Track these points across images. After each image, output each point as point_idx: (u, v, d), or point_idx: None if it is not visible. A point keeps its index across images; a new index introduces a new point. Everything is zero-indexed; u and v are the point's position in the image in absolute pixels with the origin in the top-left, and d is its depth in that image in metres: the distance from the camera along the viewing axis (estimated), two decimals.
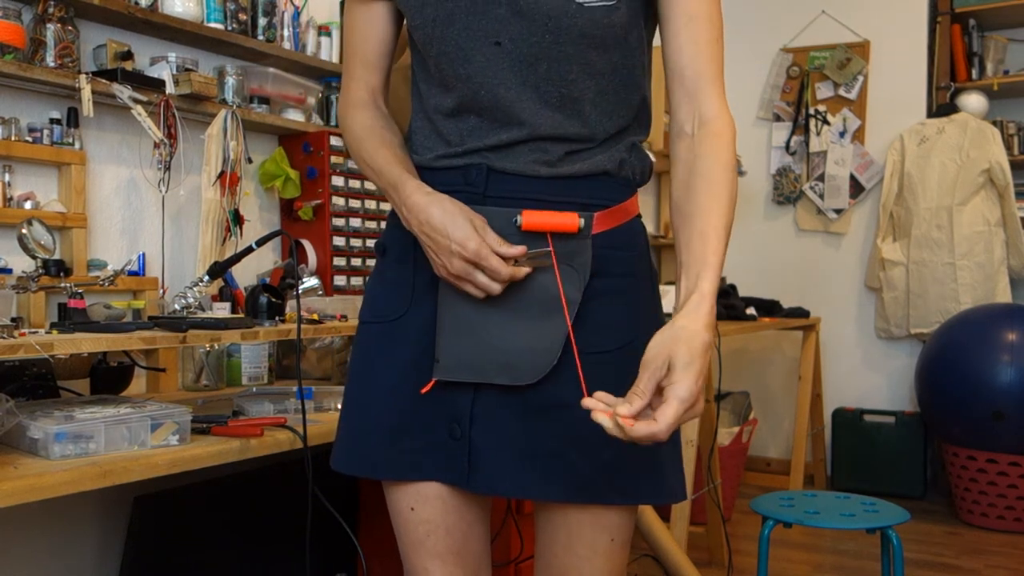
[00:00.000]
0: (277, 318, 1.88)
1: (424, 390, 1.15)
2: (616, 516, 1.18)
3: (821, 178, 4.51)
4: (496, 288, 1.09)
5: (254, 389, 2.05)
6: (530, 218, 1.11)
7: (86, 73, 1.98)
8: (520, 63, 1.10)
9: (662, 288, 1.33)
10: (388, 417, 1.18)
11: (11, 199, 1.96)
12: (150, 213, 2.27)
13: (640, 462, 1.14)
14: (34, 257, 1.71)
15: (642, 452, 1.14)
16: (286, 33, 2.52)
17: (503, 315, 1.13)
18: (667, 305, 1.22)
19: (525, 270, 1.10)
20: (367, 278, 2.65)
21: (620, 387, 1.14)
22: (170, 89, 2.13)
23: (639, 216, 1.23)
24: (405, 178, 1.15)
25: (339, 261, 2.57)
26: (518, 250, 1.09)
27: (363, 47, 1.24)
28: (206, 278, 1.83)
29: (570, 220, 1.12)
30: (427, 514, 1.19)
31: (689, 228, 1.06)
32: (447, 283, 1.14)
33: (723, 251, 1.04)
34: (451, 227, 1.08)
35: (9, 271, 1.87)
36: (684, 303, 1.01)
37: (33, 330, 1.57)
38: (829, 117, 4.50)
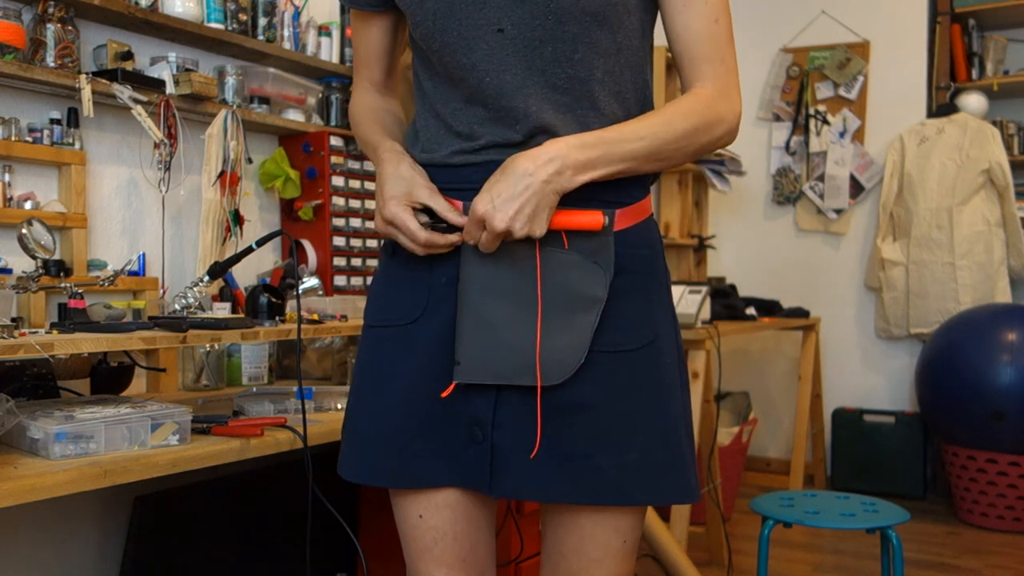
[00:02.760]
0: (277, 318, 1.88)
1: (445, 393, 1.13)
2: (630, 518, 1.17)
3: (821, 178, 4.51)
4: (418, 250, 1.14)
5: (254, 389, 2.05)
6: (555, 217, 1.11)
7: (86, 73, 1.98)
8: (524, 48, 1.10)
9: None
10: (404, 424, 1.16)
11: (11, 199, 1.96)
12: (150, 213, 2.27)
13: (664, 461, 1.14)
14: (34, 257, 1.71)
15: (667, 450, 1.14)
16: (286, 33, 2.52)
17: (525, 315, 1.11)
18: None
19: (451, 238, 1.13)
20: (371, 278, 2.66)
21: (642, 386, 1.14)
22: (170, 89, 2.13)
23: (652, 215, 1.23)
24: (381, 138, 1.23)
25: (339, 261, 2.57)
26: (423, 237, 1.13)
27: (364, 53, 1.32)
28: (206, 278, 1.83)
29: (594, 218, 1.12)
30: (436, 521, 1.18)
31: None
32: (466, 283, 1.13)
33: (615, 136, 1.10)
34: (387, 184, 1.16)
35: (9, 271, 1.87)
36: None
37: (33, 330, 1.57)
38: (829, 117, 4.50)
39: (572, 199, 1.12)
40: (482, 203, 1.06)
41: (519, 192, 1.05)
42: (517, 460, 1.12)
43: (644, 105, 1.20)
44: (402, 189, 1.14)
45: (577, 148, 1.07)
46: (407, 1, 1.15)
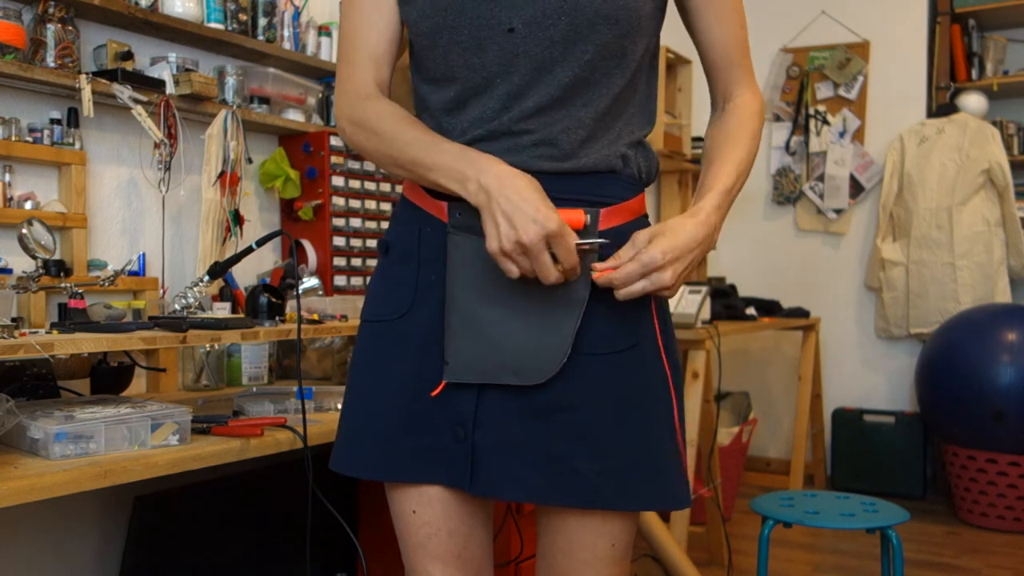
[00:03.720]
0: (277, 318, 1.88)
1: (434, 393, 1.14)
2: (618, 522, 1.17)
3: (821, 178, 4.51)
4: (554, 275, 1.05)
5: (254, 389, 2.05)
6: None
7: (86, 73, 1.98)
8: (535, 47, 1.10)
9: None
10: (391, 418, 1.17)
11: (11, 199, 1.96)
12: (150, 213, 2.27)
13: (646, 466, 1.14)
14: (34, 257, 1.71)
15: (648, 456, 1.14)
16: (286, 33, 2.52)
17: (510, 314, 1.12)
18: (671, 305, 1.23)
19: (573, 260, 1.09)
20: (369, 278, 2.65)
21: (627, 387, 1.14)
22: (170, 89, 2.13)
23: (646, 216, 1.22)
24: (469, 149, 1.10)
25: (339, 261, 2.58)
26: (572, 258, 1.07)
27: (369, 38, 1.19)
28: (206, 278, 1.83)
29: (575, 216, 1.11)
30: (429, 517, 1.18)
31: (706, 168, 1.19)
32: (453, 282, 1.13)
33: (733, 181, 1.16)
34: (540, 199, 1.04)
35: (9, 271, 1.87)
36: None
37: (33, 330, 1.57)
38: (829, 117, 4.50)
39: (556, 198, 1.11)
40: (662, 250, 1.06)
41: (688, 253, 1.09)
42: (497, 459, 1.13)
43: (646, 112, 1.21)
44: (551, 204, 1.06)
45: (717, 211, 1.13)
46: None
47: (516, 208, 1.03)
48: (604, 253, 1.12)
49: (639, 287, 1.07)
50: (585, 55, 1.11)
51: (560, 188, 1.13)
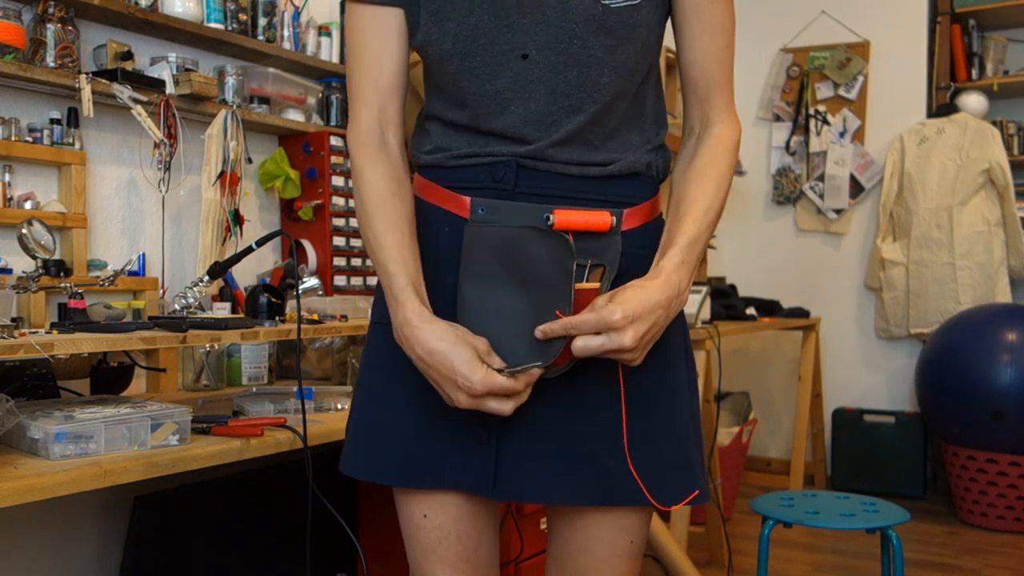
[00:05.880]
0: (277, 318, 1.88)
1: None
2: (637, 518, 1.17)
3: (821, 178, 4.51)
4: (508, 409, 1.05)
5: (254, 389, 2.05)
6: (562, 217, 1.11)
7: (86, 73, 1.98)
8: (550, 73, 1.09)
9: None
10: (410, 422, 1.16)
11: (11, 199, 1.96)
12: (150, 213, 2.27)
13: (672, 462, 1.14)
14: (34, 257, 1.71)
15: (674, 452, 1.14)
16: (286, 33, 2.52)
17: (527, 308, 1.10)
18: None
19: (524, 380, 1.06)
20: (369, 277, 2.65)
21: (649, 387, 1.14)
22: (170, 89, 2.13)
23: (662, 215, 1.22)
24: (408, 294, 1.09)
25: (339, 261, 2.57)
26: (522, 381, 1.05)
27: (376, 67, 1.15)
28: (206, 278, 1.83)
29: (601, 219, 1.12)
30: (439, 521, 1.17)
31: (673, 213, 1.13)
32: (465, 276, 1.11)
33: (698, 231, 1.10)
34: (455, 359, 1.03)
35: (9, 271, 1.87)
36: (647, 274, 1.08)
37: (33, 330, 1.57)
38: (829, 117, 4.50)
39: (581, 199, 1.12)
40: (622, 312, 1.00)
41: (650, 315, 1.03)
42: (523, 461, 1.12)
43: (659, 113, 1.21)
44: (469, 353, 1.04)
45: (680, 269, 1.08)
46: (425, 17, 1.12)
47: (438, 373, 1.06)
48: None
49: (596, 343, 1.02)
50: (602, 78, 1.10)
51: (586, 190, 1.13)
